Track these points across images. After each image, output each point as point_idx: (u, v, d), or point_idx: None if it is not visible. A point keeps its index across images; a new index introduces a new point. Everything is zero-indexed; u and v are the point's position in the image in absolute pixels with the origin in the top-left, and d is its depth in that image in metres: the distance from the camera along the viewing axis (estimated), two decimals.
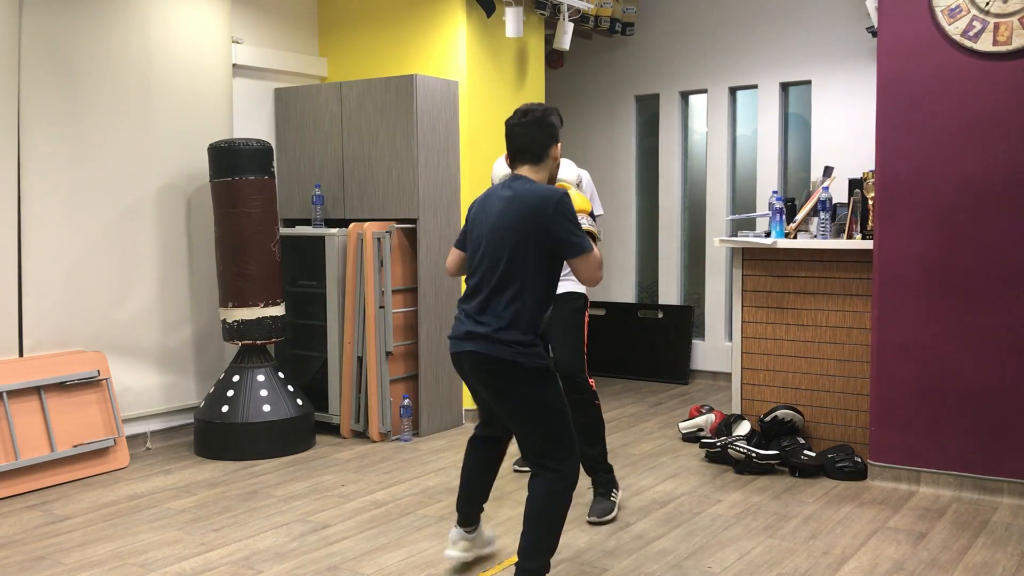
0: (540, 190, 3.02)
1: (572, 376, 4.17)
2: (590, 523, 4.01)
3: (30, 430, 4.62)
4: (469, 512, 3.45)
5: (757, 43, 6.88)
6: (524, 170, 3.14)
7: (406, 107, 5.50)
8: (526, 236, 2.98)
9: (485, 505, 3.50)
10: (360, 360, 5.49)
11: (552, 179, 3.25)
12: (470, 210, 3.26)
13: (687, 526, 3.97)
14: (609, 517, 4.06)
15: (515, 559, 3.59)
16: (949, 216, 4.36)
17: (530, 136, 3.12)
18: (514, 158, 3.16)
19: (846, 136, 6.46)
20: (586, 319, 4.27)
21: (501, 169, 4.10)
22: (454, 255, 3.36)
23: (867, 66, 6.28)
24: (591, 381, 4.22)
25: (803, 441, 4.79)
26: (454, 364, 3.15)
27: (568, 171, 4.15)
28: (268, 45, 6.05)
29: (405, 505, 4.27)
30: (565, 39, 6.27)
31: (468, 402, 5.90)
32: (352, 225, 5.50)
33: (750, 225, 6.24)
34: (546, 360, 3.04)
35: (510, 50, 6.20)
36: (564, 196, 2.99)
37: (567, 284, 4.21)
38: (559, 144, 3.21)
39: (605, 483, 4.19)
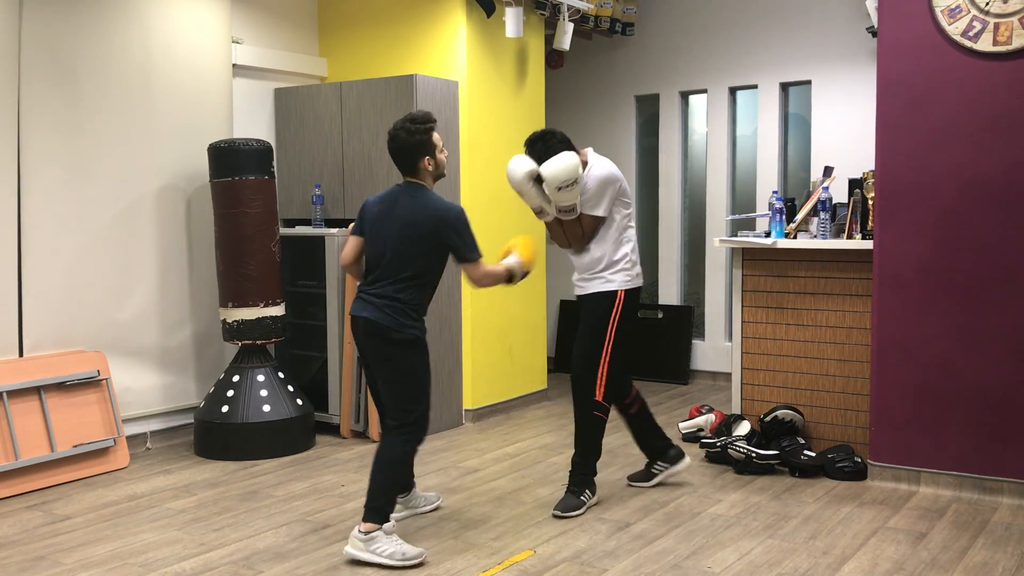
0: (430, 203, 3.64)
1: (577, 379, 4.15)
2: (553, 516, 4.08)
3: (30, 430, 4.62)
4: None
5: (757, 43, 6.88)
6: (408, 179, 3.74)
7: (406, 107, 5.49)
8: (411, 237, 3.61)
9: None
10: (360, 360, 5.48)
11: (438, 178, 3.78)
12: (366, 205, 3.84)
13: (687, 526, 3.97)
14: (573, 513, 4.08)
15: (515, 559, 3.60)
16: (949, 216, 4.36)
17: (398, 154, 3.70)
18: (400, 171, 3.76)
19: (846, 136, 6.46)
20: (612, 323, 4.09)
21: (519, 167, 4.04)
22: (352, 242, 3.87)
23: (867, 66, 6.28)
24: (599, 392, 4.09)
25: (803, 441, 4.78)
26: (352, 328, 3.76)
27: (560, 165, 3.96)
28: (268, 45, 6.05)
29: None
30: (565, 39, 6.27)
31: (468, 402, 5.90)
32: (352, 225, 5.49)
33: (750, 225, 6.25)
34: (417, 333, 3.63)
35: (510, 50, 6.20)
36: (456, 213, 3.63)
37: (596, 284, 4.12)
38: (428, 156, 3.68)
39: (579, 482, 4.18)
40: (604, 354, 4.08)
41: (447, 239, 3.62)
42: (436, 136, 3.72)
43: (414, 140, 3.67)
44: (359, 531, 3.54)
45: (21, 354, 4.77)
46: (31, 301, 4.78)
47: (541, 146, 4.07)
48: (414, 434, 3.65)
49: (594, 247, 4.14)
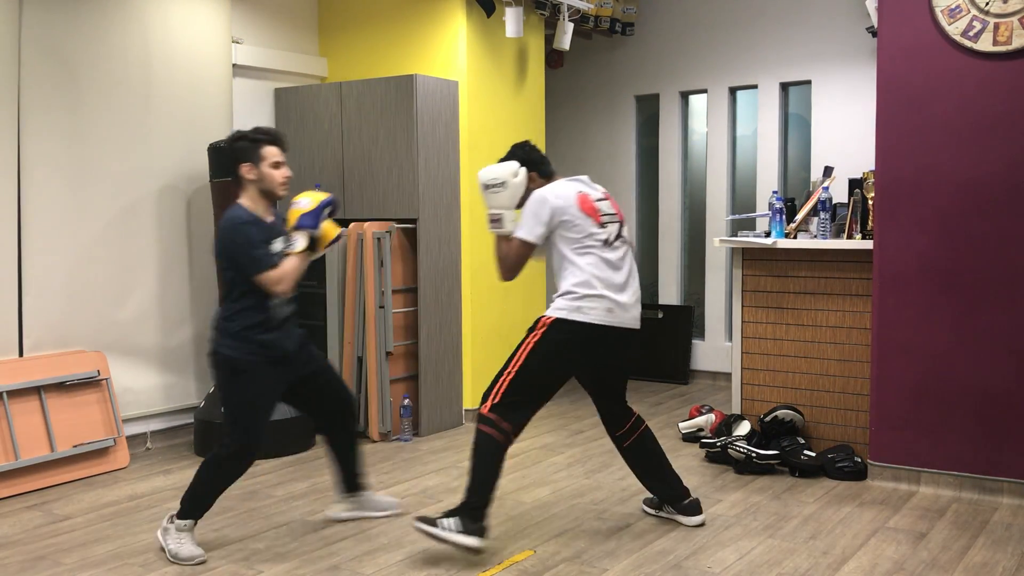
0: (222, 218, 3.64)
1: (482, 397, 3.71)
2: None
3: (30, 430, 4.62)
4: (345, 482, 4.07)
5: (757, 43, 6.88)
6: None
7: (406, 107, 5.50)
8: (217, 255, 3.69)
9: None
10: (360, 360, 5.49)
11: (267, 193, 3.67)
12: None
13: (687, 526, 3.97)
14: (424, 527, 3.56)
15: (515, 559, 3.60)
16: (949, 216, 4.36)
17: (226, 161, 3.75)
18: None
19: (846, 136, 6.46)
20: (526, 345, 3.65)
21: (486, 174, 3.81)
22: None
23: (867, 66, 6.28)
24: (488, 406, 3.60)
25: (803, 441, 4.79)
26: None
27: (499, 170, 3.74)
28: (268, 45, 6.05)
29: (405, 505, 4.27)
30: (565, 39, 6.27)
31: (468, 402, 5.90)
32: (352, 225, 5.50)
33: (750, 225, 6.25)
34: (238, 355, 3.58)
35: (510, 50, 6.20)
36: (230, 223, 3.58)
37: (550, 307, 3.72)
38: (247, 163, 3.65)
39: (451, 510, 3.61)
40: (508, 371, 3.64)
41: (235, 257, 3.56)
42: (270, 150, 3.65)
43: (234, 146, 3.69)
44: (169, 515, 3.73)
45: (21, 354, 4.77)
46: (31, 301, 4.78)
47: (507, 156, 3.89)
48: (224, 454, 3.63)
49: (556, 276, 3.77)
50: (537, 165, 3.87)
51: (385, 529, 3.96)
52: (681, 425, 5.53)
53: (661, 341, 7.29)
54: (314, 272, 5.64)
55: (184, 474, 4.81)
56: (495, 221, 3.74)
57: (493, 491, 3.61)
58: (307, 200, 3.67)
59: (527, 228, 3.70)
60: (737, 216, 6.26)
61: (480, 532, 3.56)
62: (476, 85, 5.90)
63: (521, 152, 3.89)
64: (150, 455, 5.21)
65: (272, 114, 6.08)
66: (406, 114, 5.50)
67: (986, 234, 4.28)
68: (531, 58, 6.39)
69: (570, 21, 6.29)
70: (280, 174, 3.68)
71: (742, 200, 7.16)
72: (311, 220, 3.64)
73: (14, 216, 4.71)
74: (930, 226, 4.40)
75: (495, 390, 3.64)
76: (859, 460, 4.64)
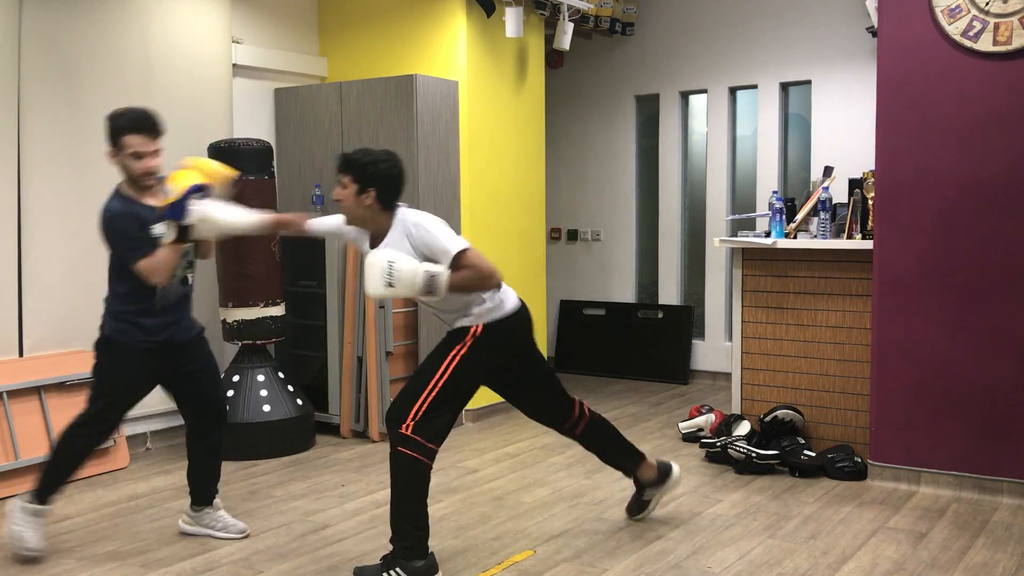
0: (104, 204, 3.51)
1: (388, 417, 3.40)
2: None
3: (30, 430, 4.61)
4: (193, 491, 3.93)
5: (757, 43, 6.88)
6: None
7: (406, 107, 5.50)
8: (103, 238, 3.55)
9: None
10: (360, 360, 5.49)
11: (135, 185, 3.49)
12: None
13: (687, 526, 3.97)
14: None
15: (515, 559, 3.60)
16: (949, 216, 4.36)
17: None
18: None
19: (846, 136, 6.46)
20: (456, 358, 3.38)
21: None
22: None
23: (867, 66, 6.28)
24: (408, 425, 3.28)
25: (803, 441, 4.79)
26: None
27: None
28: (268, 45, 6.05)
29: None
30: (565, 39, 6.27)
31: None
32: None
33: (750, 225, 6.25)
34: (117, 336, 3.55)
35: (510, 50, 6.20)
36: (105, 217, 3.47)
37: (465, 319, 3.45)
38: (111, 147, 3.46)
39: (389, 558, 3.39)
40: (431, 387, 3.34)
41: (115, 249, 3.51)
42: (131, 140, 3.41)
43: (107, 125, 3.48)
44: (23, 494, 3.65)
45: (21, 354, 4.77)
46: (31, 301, 4.78)
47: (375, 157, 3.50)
48: (82, 425, 3.62)
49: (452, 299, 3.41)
50: (387, 188, 3.43)
51: (385, 529, 3.95)
52: (681, 425, 5.53)
53: (661, 341, 7.29)
54: (314, 272, 5.65)
55: (184, 474, 4.79)
56: (431, 291, 3.23)
57: (426, 519, 3.41)
58: (172, 188, 3.40)
59: (454, 239, 3.31)
60: (737, 216, 6.26)
61: (431, 571, 3.38)
62: (476, 85, 5.90)
63: (386, 166, 3.44)
64: (150, 455, 5.21)
65: (272, 114, 6.08)
66: (406, 114, 5.50)
67: (986, 234, 4.29)
68: (531, 58, 6.39)
69: (570, 21, 6.29)
70: (140, 166, 3.42)
71: (742, 200, 7.16)
72: (174, 212, 3.39)
73: (14, 216, 4.71)
74: (930, 226, 4.40)
75: (416, 408, 3.30)
76: (859, 460, 4.64)
